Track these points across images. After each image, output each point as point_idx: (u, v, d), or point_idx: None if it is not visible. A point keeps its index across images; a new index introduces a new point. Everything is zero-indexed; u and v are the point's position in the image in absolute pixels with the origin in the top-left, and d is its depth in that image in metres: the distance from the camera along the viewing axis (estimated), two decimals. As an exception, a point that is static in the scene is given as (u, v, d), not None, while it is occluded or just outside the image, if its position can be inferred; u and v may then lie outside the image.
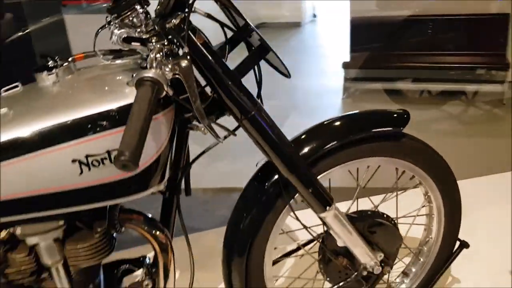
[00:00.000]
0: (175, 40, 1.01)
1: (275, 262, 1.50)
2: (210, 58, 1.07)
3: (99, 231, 1.09)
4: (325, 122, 1.35)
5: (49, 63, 1.07)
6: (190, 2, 1.03)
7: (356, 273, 1.42)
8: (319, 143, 1.29)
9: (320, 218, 1.30)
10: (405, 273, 1.65)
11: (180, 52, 1.01)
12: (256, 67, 1.17)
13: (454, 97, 3.84)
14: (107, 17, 1.04)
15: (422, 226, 1.59)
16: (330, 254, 1.40)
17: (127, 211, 1.19)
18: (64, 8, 5.53)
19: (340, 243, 1.36)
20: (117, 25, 1.01)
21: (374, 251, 1.40)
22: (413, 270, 1.63)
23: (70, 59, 1.10)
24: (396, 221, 1.47)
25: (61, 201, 0.99)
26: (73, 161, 0.95)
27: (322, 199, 1.24)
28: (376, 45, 4.00)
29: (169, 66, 0.95)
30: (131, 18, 1.00)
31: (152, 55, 0.94)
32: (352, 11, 4.00)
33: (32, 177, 0.96)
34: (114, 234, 1.17)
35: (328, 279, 1.47)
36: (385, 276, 1.55)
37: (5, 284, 1.07)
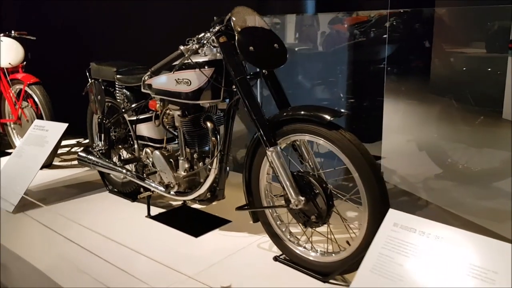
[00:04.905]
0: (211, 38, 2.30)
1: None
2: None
3: (189, 117, 2.58)
4: (295, 106, 2.23)
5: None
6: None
7: (288, 205, 2.21)
8: (280, 115, 2.23)
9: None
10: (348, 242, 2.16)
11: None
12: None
13: None
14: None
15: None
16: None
17: (209, 118, 2.57)
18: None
19: (278, 178, 2.21)
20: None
21: (298, 194, 2.15)
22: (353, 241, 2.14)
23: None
24: (329, 189, 2.13)
25: (172, 95, 2.55)
26: (174, 79, 2.48)
27: (265, 141, 2.19)
28: None
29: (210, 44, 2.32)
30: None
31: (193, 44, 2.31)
32: None
33: (166, 83, 2.55)
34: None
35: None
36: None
37: (163, 124, 2.74)
